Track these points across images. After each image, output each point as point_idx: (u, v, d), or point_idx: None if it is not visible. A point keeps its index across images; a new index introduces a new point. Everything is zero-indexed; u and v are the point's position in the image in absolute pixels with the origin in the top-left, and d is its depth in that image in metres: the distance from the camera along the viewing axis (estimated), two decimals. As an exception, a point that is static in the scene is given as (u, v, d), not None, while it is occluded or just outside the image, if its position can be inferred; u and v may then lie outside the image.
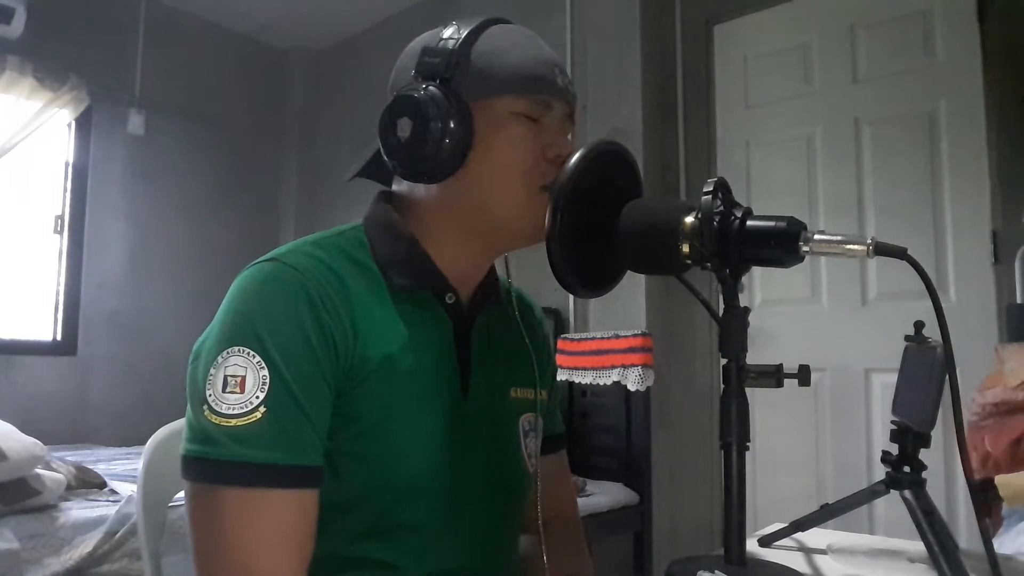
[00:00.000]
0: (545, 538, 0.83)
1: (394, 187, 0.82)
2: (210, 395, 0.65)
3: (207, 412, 0.65)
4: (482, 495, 0.78)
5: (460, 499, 0.75)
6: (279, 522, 0.64)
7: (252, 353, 0.65)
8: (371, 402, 0.71)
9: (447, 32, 0.75)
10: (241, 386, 0.65)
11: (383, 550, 0.72)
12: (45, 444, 1.80)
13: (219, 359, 0.66)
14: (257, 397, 0.64)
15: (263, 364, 0.65)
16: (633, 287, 2.58)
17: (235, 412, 0.64)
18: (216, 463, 0.64)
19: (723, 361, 0.63)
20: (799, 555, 0.86)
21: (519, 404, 0.85)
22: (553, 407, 0.95)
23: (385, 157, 0.75)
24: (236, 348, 0.66)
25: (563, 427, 0.98)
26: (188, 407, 0.68)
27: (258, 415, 0.64)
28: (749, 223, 0.62)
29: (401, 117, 0.72)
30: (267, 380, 0.65)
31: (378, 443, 0.71)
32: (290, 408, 0.65)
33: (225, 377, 0.65)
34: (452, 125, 0.71)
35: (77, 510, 1.76)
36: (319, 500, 0.68)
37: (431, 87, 0.72)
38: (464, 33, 0.74)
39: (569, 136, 0.79)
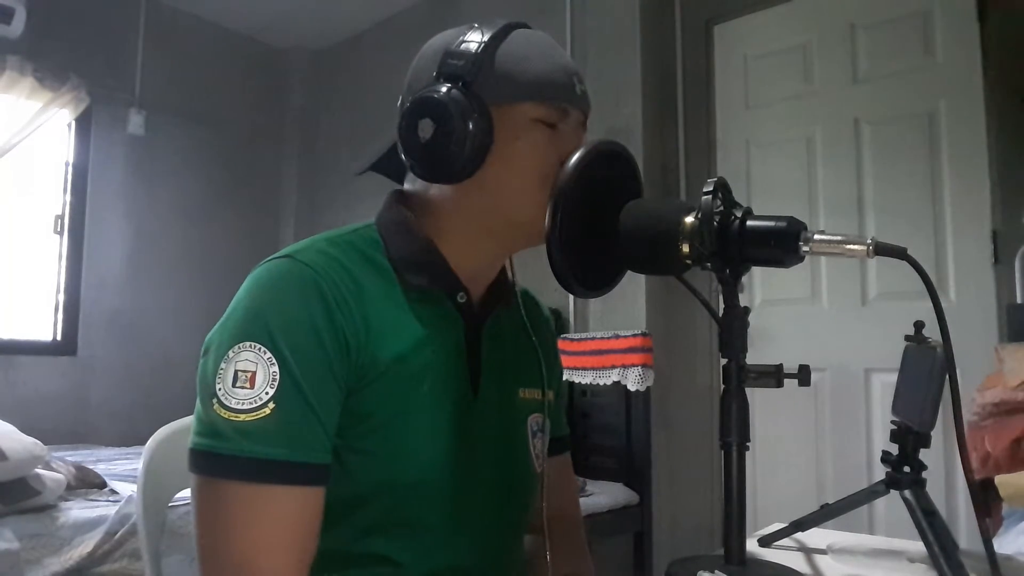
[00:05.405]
0: (547, 537, 0.82)
1: (407, 186, 0.83)
2: (220, 389, 0.65)
3: (216, 406, 0.65)
4: (489, 494, 0.78)
5: (467, 498, 0.75)
6: (282, 519, 0.65)
7: (263, 349, 0.66)
8: (382, 400, 0.71)
9: (470, 35, 0.74)
10: (251, 382, 0.65)
11: (388, 547, 0.72)
12: (45, 444, 1.80)
13: (230, 354, 0.66)
14: (267, 393, 0.65)
15: (273, 360, 0.65)
16: (633, 287, 2.58)
17: (244, 407, 0.64)
18: (222, 457, 0.64)
19: (723, 361, 0.63)
20: (799, 555, 0.86)
21: (527, 405, 0.85)
22: (559, 408, 0.95)
23: (404, 156, 0.75)
24: (247, 343, 0.66)
25: (568, 429, 0.98)
26: (198, 400, 0.68)
27: (267, 411, 0.64)
28: (749, 223, 0.62)
29: (423, 118, 0.71)
30: (277, 376, 0.65)
31: (387, 441, 0.71)
32: (299, 405, 0.66)
33: (235, 372, 0.65)
34: (473, 128, 0.70)
35: (77, 510, 1.76)
36: (326, 496, 0.68)
37: (454, 90, 0.71)
38: (487, 37, 0.74)
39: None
